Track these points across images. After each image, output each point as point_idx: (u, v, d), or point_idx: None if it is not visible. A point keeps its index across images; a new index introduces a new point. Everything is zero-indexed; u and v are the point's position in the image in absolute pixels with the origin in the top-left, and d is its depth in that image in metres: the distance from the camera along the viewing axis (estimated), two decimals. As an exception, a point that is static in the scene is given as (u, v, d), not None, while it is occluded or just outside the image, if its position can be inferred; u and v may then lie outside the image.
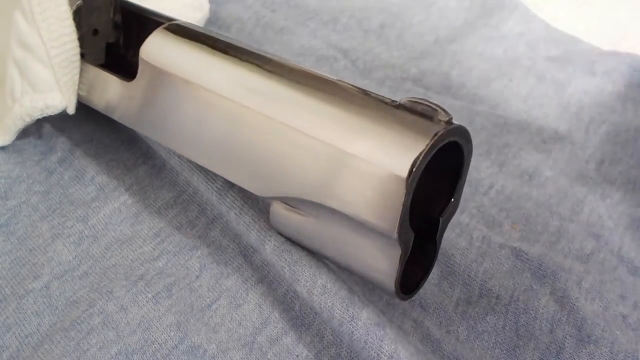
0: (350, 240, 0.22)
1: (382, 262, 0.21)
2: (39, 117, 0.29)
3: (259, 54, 0.25)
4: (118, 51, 0.32)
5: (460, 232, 0.29)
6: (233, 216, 0.27)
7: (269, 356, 0.24)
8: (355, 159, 0.20)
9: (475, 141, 0.21)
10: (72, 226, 0.29)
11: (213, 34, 0.27)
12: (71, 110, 0.29)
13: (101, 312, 0.26)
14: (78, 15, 0.29)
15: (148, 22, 0.29)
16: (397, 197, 0.19)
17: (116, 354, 0.24)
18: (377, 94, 0.22)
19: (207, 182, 0.28)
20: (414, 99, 0.21)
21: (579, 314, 0.26)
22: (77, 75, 0.28)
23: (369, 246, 0.21)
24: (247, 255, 0.27)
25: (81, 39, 0.29)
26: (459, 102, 0.36)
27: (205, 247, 0.27)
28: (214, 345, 0.25)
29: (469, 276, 0.27)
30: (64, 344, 0.25)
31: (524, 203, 0.30)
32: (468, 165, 0.22)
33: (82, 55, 0.30)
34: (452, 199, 0.23)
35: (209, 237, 0.28)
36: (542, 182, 0.31)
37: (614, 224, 0.29)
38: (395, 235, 0.20)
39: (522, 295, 0.27)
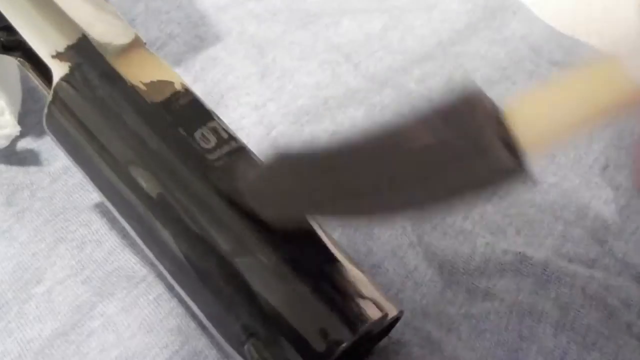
0: None
1: None
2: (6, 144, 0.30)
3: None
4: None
5: (464, 240, 0.28)
6: None
7: (270, 362, 0.24)
8: None
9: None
10: (75, 230, 0.28)
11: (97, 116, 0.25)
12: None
13: (102, 315, 0.26)
14: None
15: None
16: None
17: (116, 358, 0.24)
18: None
19: None
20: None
21: (583, 320, 0.26)
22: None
23: None
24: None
25: None
26: (462, 105, 0.36)
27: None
28: (214, 351, 0.25)
29: (473, 284, 0.27)
30: (64, 347, 0.25)
31: (528, 209, 0.30)
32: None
33: None
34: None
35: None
36: (546, 187, 0.31)
37: (619, 230, 0.29)
38: None
39: (526, 299, 0.26)
